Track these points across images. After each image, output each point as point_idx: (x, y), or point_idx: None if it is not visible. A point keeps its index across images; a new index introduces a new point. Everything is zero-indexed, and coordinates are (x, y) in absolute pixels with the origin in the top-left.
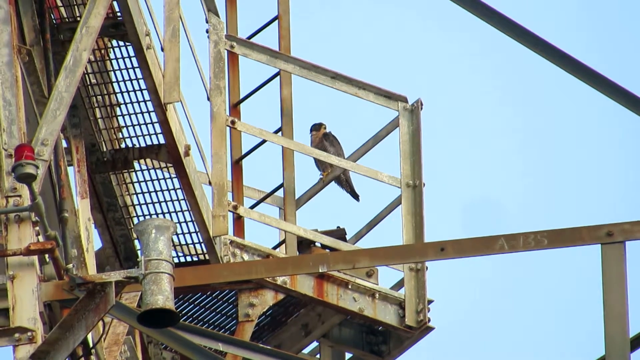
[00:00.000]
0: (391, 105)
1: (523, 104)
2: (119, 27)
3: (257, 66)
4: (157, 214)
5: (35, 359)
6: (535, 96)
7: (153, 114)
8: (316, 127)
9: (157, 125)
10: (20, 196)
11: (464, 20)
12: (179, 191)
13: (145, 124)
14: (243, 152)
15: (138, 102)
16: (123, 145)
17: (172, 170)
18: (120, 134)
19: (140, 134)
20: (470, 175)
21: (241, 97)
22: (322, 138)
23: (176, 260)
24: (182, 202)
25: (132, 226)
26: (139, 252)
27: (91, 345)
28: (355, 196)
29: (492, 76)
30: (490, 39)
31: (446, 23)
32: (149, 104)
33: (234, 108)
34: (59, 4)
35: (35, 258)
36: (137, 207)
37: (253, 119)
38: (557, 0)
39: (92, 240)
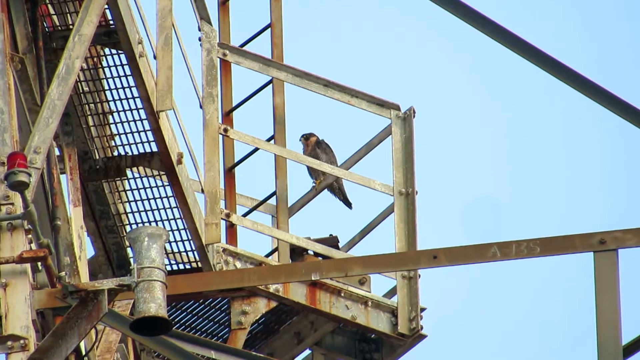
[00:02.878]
0: (384, 113)
1: (517, 111)
2: (112, 35)
3: (250, 74)
4: (149, 222)
5: None
6: (528, 103)
7: (146, 122)
8: (306, 136)
9: (149, 133)
10: (12, 204)
11: (456, 28)
12: (171, 199)
13: (138, 131)
14: (235, 160)
15: (131, 110)
16: (116, 153)
17: (164, 178)
18: (112, 141)
19: (133, 141)
20: (466, 181)
21: (234, 105)
22: (315, 146)
23: (169, 268)
24: (175, 210)
25: (125, 234)
26: (131, 259)
27: (84, 353)
28: (348, 204)
29: (485, 83)
30: (482, 45)
31: (438, 31)
32: (142, 111)
33: (227, 116)
34: (52, 12)
35: (27, 266)
36: (130, 215)
37: (245, 126)
38: (550, 9)
39: (84, 248)
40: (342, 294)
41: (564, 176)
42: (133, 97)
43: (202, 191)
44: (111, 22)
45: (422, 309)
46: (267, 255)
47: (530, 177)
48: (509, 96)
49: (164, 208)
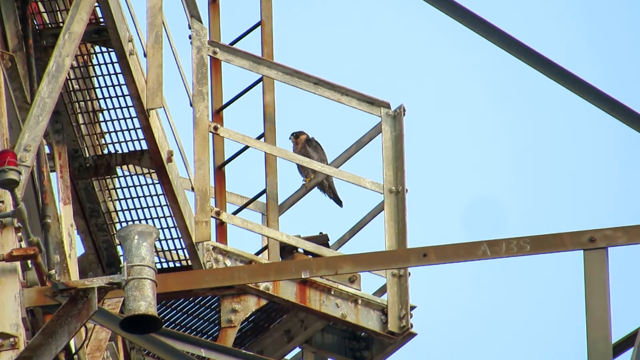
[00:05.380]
0: (374, 111)
1: (509, 110)
2: (102, 32)
3: (240, 72)
4: (139, 220)
5: None
6: (521, 102)
7: (136, 120)
8: (296, 134)
9: (139, 131)
10: (2, 202)
11: (449, 25)
12: (161, 197)
13: (128, 129)
14: (226, 158)
15: (121, 108)
16: (106, 151)
17: (154, 176)
18: (102, 139)
19: (123, 139)
20: (458, 179)
21: (224, 103)
22: (305, 144)
23: (159, 266)
24: (165, 208)
25: (115, 232)
26: (121, 258)
27: (74, 351)
28: (338, 202)
29: (477, 82)
30: (475, 43)
31: (430, 28)
32: (132, 109)
33: (217, 114)
34: (42, 10)
35: (17, 264)
36: (120, 213)
37: (236, 124)
38: (549, 10)
39: (74, 246)
40: (332, 292)
41: (554, 174)
42: (123, 95)
43: (192, 189)
44: (101, 19)
45: (412, 307)
46: (257, 253)
47: (523, 175)
48: (501, 94)
49: (154, 206)
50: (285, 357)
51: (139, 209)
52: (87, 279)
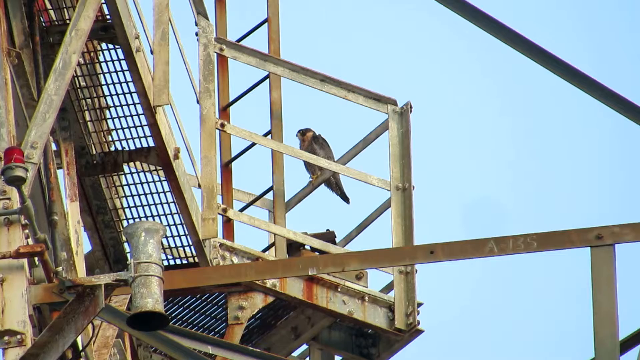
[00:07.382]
0: (380, 108)
1: (515, 106)
2: (109, 30)
3: (247, 69)
4: (146, 217)
5: None
6: (527, 99)
7: (142, 117)
8: (303, 131)
9: (146, 128)
10: (9, 199)
11: (454, 22)
12: (168, 194)
13: (135, 126)
14: (232, 155)
15: (127, 105)
16: (112, 148)
17: (161, 173)
18: (109, 136)
19: (130, 136)
20: (464, 176)
21: (231, 99)
22: (312, 141)
23: (166, 263)
24: (172, 205)
25: (122, 229)
26: (128, 254)
27: (81, 348)
28: (345, 199)
29: (483, 79)
30: (480, 41)
31: (437, 25)
32: (139, 106)
33: (224, 111)
34: (49, 6)
35: (24, 261)
36: (127, 210)
37: (242, 121)
38: (550, 5)
39: (81, 243)
40: (339, 289)
41: (561, 171)
42: (130, 92)
43: (199, 186)
44: (108, 16)
45: (419, 304)
46: (264, 250)
47: (528, 172)
48: (507, 91)
49: (161, 203)
50: (292, 354)
51: (145, 206)
52: (94, 276)
